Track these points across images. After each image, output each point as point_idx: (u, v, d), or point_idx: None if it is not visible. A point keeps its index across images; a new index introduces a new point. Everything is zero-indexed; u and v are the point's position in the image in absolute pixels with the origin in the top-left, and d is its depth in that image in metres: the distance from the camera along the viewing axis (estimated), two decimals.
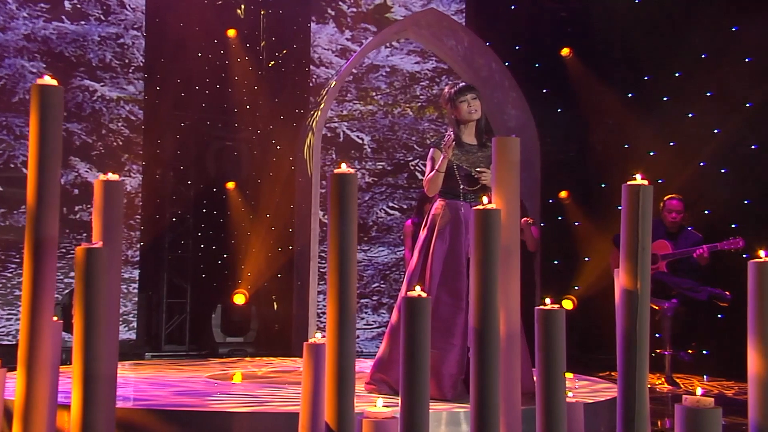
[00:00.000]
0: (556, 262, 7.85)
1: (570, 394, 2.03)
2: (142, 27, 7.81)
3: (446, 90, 4.34)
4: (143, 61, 7.82)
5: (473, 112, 4.23)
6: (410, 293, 1.86)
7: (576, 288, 7.73)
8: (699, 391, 1.88)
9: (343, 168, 2.14)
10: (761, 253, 1.96)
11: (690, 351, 6.08)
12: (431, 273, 4.15)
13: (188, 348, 7.78)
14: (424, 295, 1.86)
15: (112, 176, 2.29)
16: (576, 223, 7.94)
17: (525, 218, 6.79)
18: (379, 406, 1.85)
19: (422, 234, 4.31)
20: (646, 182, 1.91)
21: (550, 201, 7.87)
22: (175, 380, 4.90)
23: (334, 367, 1.82)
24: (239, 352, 7.39)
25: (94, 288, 1.95)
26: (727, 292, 5.99)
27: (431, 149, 4.33)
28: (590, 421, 2.39)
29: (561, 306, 2.05)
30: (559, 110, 8.10)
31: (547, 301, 1.96)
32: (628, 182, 1.92)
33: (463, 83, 4.42)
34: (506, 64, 7.97)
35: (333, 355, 1.83)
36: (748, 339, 1.96)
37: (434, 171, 4.20)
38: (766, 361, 1.93)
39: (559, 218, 7.93)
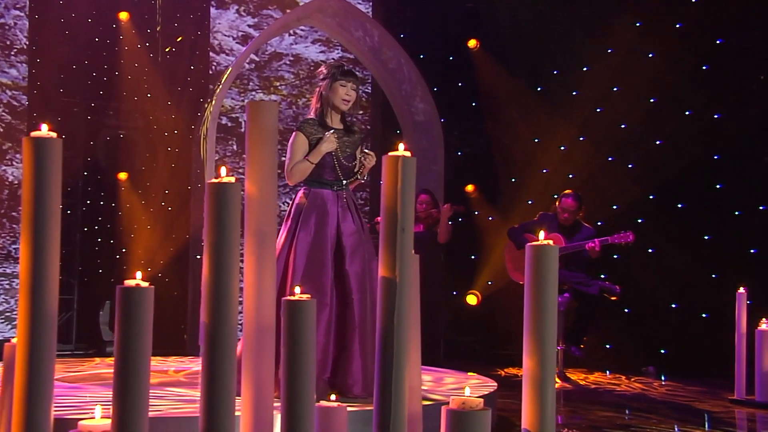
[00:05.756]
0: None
1: (333, 397, 1.80)
2: (25, 7, 7.35)
3: (331, 64, 4.13)
4: (27, 43, 7.36)
5: (346, 102, 4.03)
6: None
7: (490, 283, 7.58)
8: (467, 391, 1.67)
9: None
10: (541, 234, 1.77)
11: (581, 346, 5.98)
12: (294, 267, 3.93)
13: (75, 347, 7.37)
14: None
15: None
16: (486, 217, 7.81)
17: (447, 204, 6.57)
18: (97, 417, 1.59)
19: (285, 225, 4.07)
20: (408, 153, 1.68)
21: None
22: None
23: (25, 373, 1.55)
24: None
25: None
26: (617, 286, 5.93)
27: (294, 134, 4.09)
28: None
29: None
30: (465, 103, 7.93)
31: (297, 290, 1.73)
32: (390, 153, 1.69)
33: (352, 69, 4.23)
34: (412, 55, 7.76)
35: (23, 358, 1.56)
36: (524, 323, 1.74)
37: (304, 160, 3.99)
38: (539, 345, 1.72)
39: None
